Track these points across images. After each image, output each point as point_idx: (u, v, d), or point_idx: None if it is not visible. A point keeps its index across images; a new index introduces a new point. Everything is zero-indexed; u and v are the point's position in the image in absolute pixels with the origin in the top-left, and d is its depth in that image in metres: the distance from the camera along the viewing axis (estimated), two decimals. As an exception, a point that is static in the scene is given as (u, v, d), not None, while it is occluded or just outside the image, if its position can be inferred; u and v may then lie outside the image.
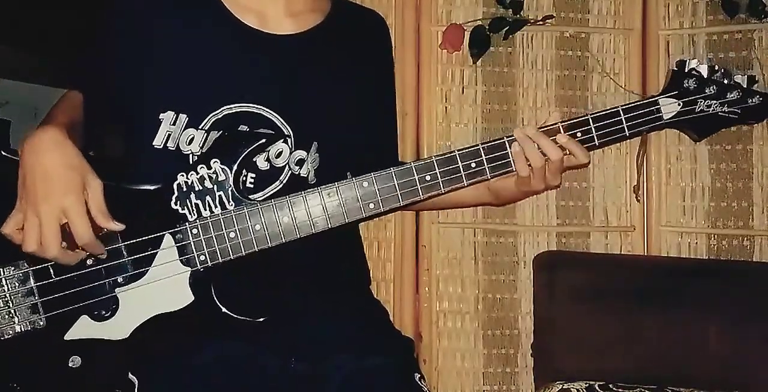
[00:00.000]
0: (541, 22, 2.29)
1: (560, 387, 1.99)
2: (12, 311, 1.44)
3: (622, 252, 2.30)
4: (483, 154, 1.60)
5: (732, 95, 1.71)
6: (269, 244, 1.52)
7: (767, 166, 2.20)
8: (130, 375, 1.51)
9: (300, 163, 1.67)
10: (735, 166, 2.23)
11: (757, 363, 1.98)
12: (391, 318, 1.95)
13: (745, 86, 1.72)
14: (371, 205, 1.56)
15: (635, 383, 1.98)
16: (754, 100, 1.72)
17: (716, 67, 1.73)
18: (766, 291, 2.06)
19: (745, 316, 2.02)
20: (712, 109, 1.71)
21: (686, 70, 1.72)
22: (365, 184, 1.55)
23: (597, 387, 1.97)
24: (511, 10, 2.28)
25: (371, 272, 2.17)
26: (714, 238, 2.26)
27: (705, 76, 1.71)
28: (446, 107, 2.32)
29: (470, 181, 1.60)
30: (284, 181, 1.66)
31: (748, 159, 2.22)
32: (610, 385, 1.97)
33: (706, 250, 2.26)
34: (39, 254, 1.41)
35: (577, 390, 1.97)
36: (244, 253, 1.51)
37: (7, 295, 1.44)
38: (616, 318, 2.08)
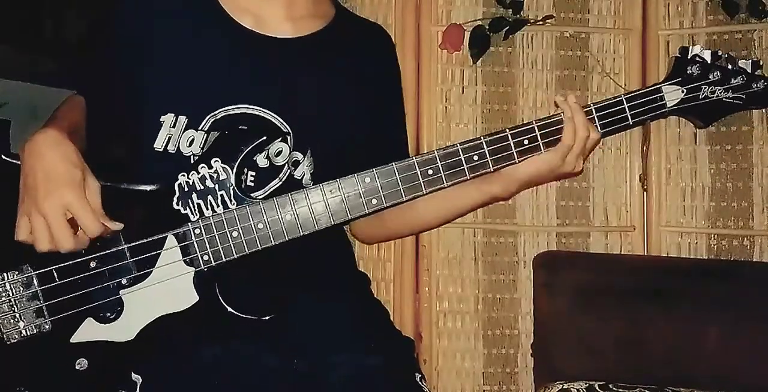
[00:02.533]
0: (541, 22, 2.28)
1: (560, 387, 1.99)
2: (17, 315, 1.44)
3: (622, 252, 2.30)
4: (485, 147, 1.60)
5: (736, 81, 1.71)
6: (272, 242, 1.52)
7: (767, 166, 2.20)
8: (133, 375, 1.51)
9: (295, 164, 1.68)
10: (735, 166, 2.23)
11: (758, 363, 1.98)
12: (391, 318, 1.94)
13: (749, 71, 1.71)
14: (374, 201, 1.56)
15: (635, 383, 1.98)
16: (758, 85, 1.72)
17: (719, 53, 1.72)
18: (766, 291, 2.05)
19: (745, 316, 2.02)
20: (716, 95, 1.70)
21: (689, 57, 1.71)
22: (367, 179, 1.55)
23: (597, 387, 1.96)
24: (511, 10, 2.28)
25: (371, 272, 2.18)
26: (714, 238, 2.25)
27: (709, 62, 1.70)
28: (446, 107, 2.31)
29: (473, 174, 1.60)
30: (284, 179, 1.67)
31: (748, 159, 2.22)
32: (610, 385, 1.97)
33: (706, 250, 2.25)
34: (54, 250, 1.41)
35: (577, 390, 1.97)
36: (247, 252, 1.51)
37: (12, 300, 1.44)
38: (617, 318, 2.08)
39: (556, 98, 1.65)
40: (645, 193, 2.29)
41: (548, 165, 1.66)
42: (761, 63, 1.77)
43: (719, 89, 1.70)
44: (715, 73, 1.69)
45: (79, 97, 1.71)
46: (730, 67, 1.71)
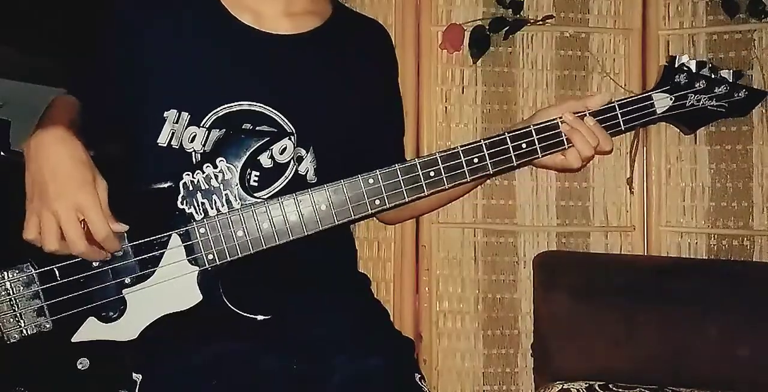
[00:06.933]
0: (541, 22, 2.28)
1: (560, 387, 1.98)
2: (18, 314, 1.43)
3: (622, 252, 2.30)
4: (485, 149, 1.62)
5: (720, 89, 1.76)
6: (277, 242, 1.52)
7: (767, 166, 2.21)
8: (133, 374, 1.50)
9: (299, 160, 1.68)
10: (735, 166, 2.23)
11: (758, 363, 1.98)
12: (391, 318, 1.94)
13: (731, 81, 1.76)
14: (377, 201, 1.57)
15: (635, 383, 1.98)
16: (740, 94, 1.77)
17: (704, 62, 1.76)
18: (766, 291, 2.06)
19: (745, 316, 2.02)
20: (701, 103, 1.75)
21: (677, 65, 1.75)
22: (371, 180, 1.56)
23: (597, 387, 1.96)
24: (511, 10, 2.28)
25: (371, 272, 2.17)
26: (714, 238, 2.26)
27: (694, 71, 1.74)
28: (446, 107, 2.31)
29: (473, 177, 1.62)
30: (289, 177, 1.67)
31: (748, 159, 2.22)
32: (610, 385, 1.96)
33: (706, 250, 2.26)
34: (61, 252, 1.40)
35: (577, 390, 1.97)
36: (252, 251, 1.51)
37: (12, 299, 1.43)
38: (616, 318, 2.08)
39: (562, 125, 1.67)
40: (632, 195, 2.30)
41: (552, 163, 1.74)
42: (743, 73, 1.81)
43: (704, 97, 1.75)
44: (700, 82, 1.74)
45: (69, 97, 1.69)
46: (713, 76, 1.75)
